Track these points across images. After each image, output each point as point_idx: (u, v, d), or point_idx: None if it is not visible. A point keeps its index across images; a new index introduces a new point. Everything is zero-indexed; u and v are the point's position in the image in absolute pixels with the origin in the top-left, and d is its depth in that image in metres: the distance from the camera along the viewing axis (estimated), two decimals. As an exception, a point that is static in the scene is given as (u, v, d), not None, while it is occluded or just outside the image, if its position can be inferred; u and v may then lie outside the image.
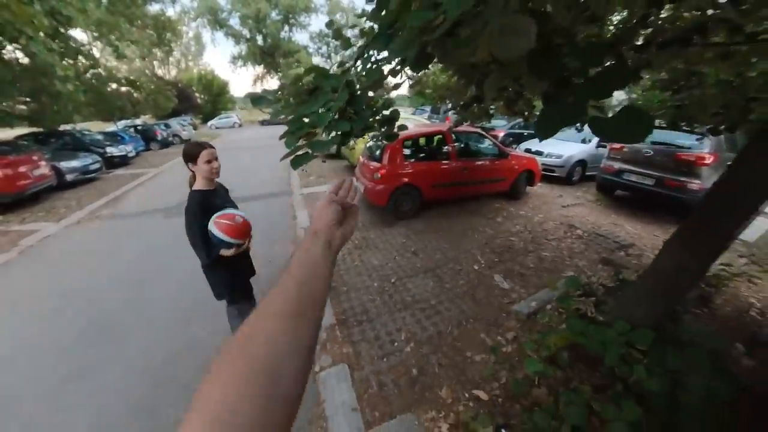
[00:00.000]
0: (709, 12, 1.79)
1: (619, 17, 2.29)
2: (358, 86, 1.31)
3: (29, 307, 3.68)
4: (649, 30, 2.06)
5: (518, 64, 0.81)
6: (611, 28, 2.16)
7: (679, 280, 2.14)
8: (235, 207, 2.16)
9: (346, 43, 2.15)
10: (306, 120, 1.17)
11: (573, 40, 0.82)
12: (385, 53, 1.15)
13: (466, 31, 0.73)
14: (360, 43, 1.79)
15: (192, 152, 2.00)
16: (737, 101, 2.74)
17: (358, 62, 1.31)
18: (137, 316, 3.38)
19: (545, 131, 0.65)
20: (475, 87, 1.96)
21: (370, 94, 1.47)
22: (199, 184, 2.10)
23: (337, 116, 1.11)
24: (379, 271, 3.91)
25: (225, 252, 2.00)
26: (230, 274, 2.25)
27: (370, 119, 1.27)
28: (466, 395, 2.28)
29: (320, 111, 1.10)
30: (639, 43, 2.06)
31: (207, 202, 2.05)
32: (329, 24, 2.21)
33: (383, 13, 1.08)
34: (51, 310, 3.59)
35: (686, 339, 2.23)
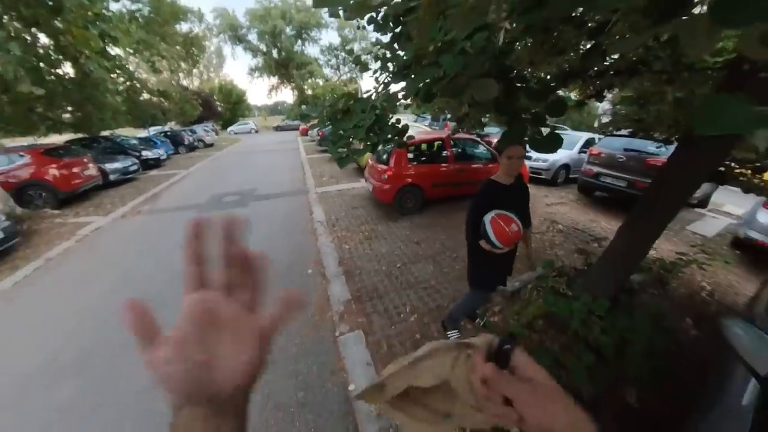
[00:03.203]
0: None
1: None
2: (378, 109, 1.62)
3: (93, 285, 3.95)
4: (608, 60, 2.37)
5: (489, 104, 1.13)
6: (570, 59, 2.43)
7: (627, 258, 2.46)
8: (520, 211, 2.01)
9: (364, 67, 2.48)
10: (342, 133, 1.49)
11: (528, 85, 1.12)
12: (401, 84, 1.47)
13: (461, 80, 1.04)
14: (375, 66, 2.11)
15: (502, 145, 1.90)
16: (685, 116, 3.03)
17: (380, 90, 1.63)
18: (179, 293, 3.69)
19: (504, 144, 0.97)
20: (467, 105, 2.29)
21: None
22: (496, 175, 2.07)
23: (366, 131, 1.43)
24: (387, 258, 4.20)
25: (484, 245, 2.00)
26: (482, 267, 2.27)
27: (389, 134, 1.58)
28: (459, 353, 2.59)
29: (355, 127, 1.41)
30: (600, 69, 2.37)
31: (494, 192, 2.01)
32: (350, 52, 2.54)
33: (402, 56, 1.40)
34: (110, 288, 3.86)
35: (637, 308, 2.54)
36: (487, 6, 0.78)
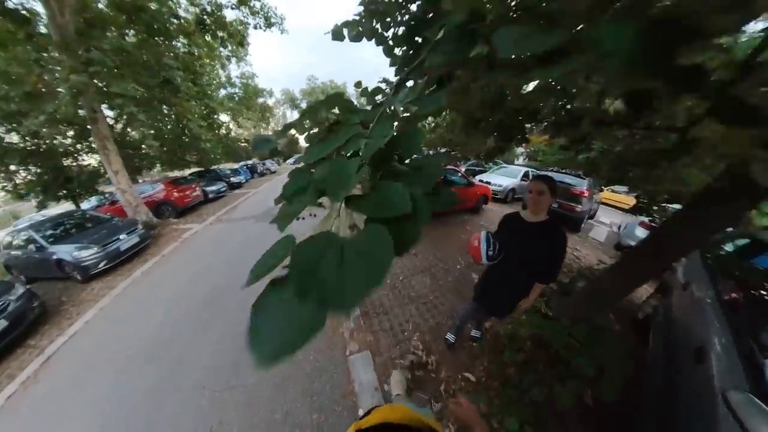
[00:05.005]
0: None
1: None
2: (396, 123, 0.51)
3: (184, 273, 3.66)
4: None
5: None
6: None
7: (609, 296, 1.65)
8: (536, 253, 1.22)
9: (371, 98, 1.65)
10: (313, 173, 0.37)
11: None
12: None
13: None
14: (380, 99, 1.25)
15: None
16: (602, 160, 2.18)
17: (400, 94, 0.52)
18: (237, 283, 3.09)
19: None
20: (493, 140, 1.50)
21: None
22: (524, 211, 1.34)
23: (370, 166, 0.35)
24: (390, 271, 3.33)
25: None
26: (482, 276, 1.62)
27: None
28: (459, 376, 1.78)
29: (339, 154, 0.37)
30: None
31: (506, 222, 1.37)
32: (357, 84, 1.72)
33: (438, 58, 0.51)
34: (195, 276, 3.55)
35: (602, 325, 1.76)
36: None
